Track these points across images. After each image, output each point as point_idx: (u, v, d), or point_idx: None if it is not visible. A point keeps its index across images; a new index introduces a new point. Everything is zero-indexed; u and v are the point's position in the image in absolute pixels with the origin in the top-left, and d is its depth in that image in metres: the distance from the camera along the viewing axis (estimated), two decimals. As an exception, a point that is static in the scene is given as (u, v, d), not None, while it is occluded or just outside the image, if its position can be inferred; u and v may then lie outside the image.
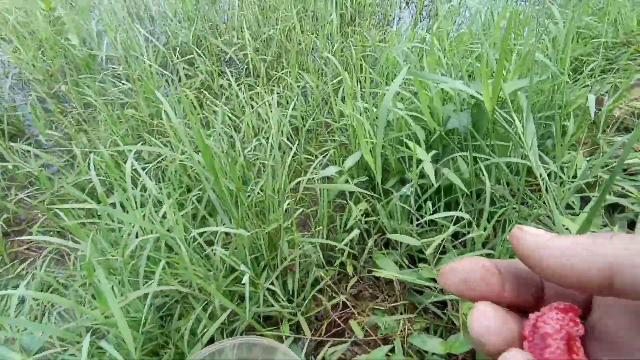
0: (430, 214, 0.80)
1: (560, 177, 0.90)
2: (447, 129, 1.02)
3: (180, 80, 1.65)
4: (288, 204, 0.94)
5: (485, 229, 0.80)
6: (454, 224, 0.83)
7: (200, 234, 0.89)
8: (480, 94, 0.72)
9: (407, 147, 0.86)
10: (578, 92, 1.16)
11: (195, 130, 0.77)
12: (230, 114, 1.31)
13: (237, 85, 1.65)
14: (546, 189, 0.73)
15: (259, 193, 0.96)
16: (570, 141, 1.05)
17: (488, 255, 0.88)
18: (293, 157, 1.26)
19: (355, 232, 0.85)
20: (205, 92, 1.58)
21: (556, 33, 1.05)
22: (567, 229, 0.65)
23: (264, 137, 1.17)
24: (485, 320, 0.16)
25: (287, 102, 1.46)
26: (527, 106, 0.68)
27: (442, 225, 0.96)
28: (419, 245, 0.81)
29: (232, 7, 1.76)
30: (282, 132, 1.19)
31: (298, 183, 1.17)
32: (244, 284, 0.76)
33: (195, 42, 1.84)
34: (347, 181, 0.99)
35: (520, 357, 0.15)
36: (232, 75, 1.74)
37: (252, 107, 1.20)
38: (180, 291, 0.78)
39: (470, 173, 0.85)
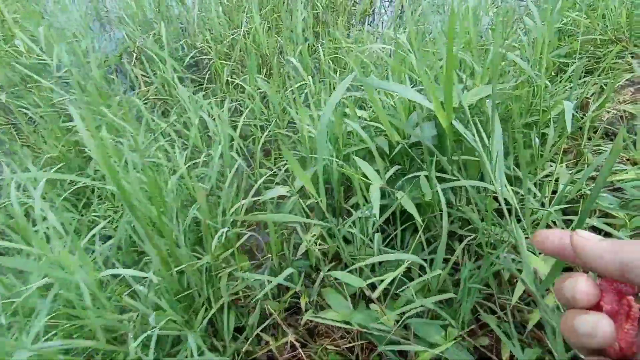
0: (381, 249, 0.68)
1: (535, 195, 0.79)
2: (410, 143, 0.90)
3: (139, 87, 1.53)
4: (227, 231, 0.82)
5: (444, 267, 0.69)
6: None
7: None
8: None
9: (361, 165, 0.74)
10: (560, 95, 1.04)
11: (100, 153, 0.65)
12: (181, 126, 1.20)
13: (198, 93, 1.53)
14: (517, 218, 0.61)
15: (194, 219, 0.84)
16: (551, 152, 0.94)
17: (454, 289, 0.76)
18: (251, 172, 1.14)
19: (290, 271, 0.72)
20: (168, 100, 1.46)
21: (534, 31, 0.93)
22: (534, 271, 0.53)
23: (212, 150, 1.05)
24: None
25: (253, 111, 1.34)
26: (494, 118, 0.56)
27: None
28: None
29: (195, 9, 1.65)
30: (232, 145, 1.07)
31: (253, 203, 1.06)
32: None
33: (158, 46, 1.72)
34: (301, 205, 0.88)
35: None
36: (192, 82, 1.62)
37: (202, 117, 1.08)
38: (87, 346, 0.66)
39: (433, 194, 0.73)
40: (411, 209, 0.65)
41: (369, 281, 0.61)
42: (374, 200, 0.61)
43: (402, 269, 0.61)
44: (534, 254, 0.59)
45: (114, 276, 0.83)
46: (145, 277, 0.70)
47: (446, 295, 0.60)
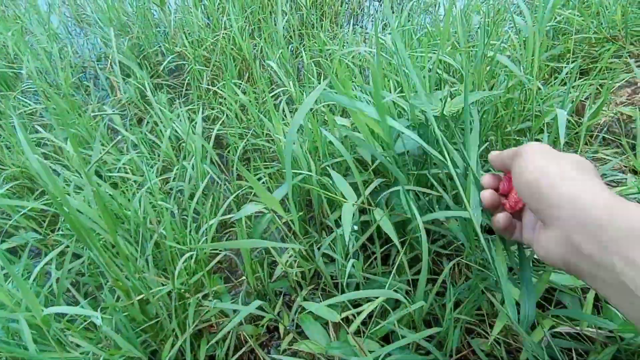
0: (358, 275, 0.61)
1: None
2: (396, 153, 0.84)
3: (114, 95, 1.46)
4: (193, 255, 0.75)
5: (430, 289, 0.62)
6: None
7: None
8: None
9: (336, 180, 0.67)
10: (554, 99, 0.98)
11: (45, 173, 0.58)
12: (153, 137, 1.13)
13: (177, 99, 1.46)
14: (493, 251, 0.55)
15: (159, 241, 0.77)
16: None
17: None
18: (223, 185, 1.07)
19: (255, 305, 0.66)
20: (146, 108, 1.39)
21: (525, 31, 0.87)
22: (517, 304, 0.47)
23: (187, 162, 0.98)
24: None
25: (228, 117, 1.28)
26: (473, 136, 0.50)
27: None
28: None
29: (172, 12, 1.58)
30: (206, 156, 1.00)
31: (225, 222, 0.99)
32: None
33: (135, 50, 1.65)
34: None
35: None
36: (170, 88, 1.55)
37: (175, 127, 1.02)
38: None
39: (412, 213, 0.66)
40: (389, 230, 0.58)
41: (346, 314, 0.55)
42: (345, 224, 0.55)
43: (379, 301, 0.55)
44: (516, 287, 0.53)
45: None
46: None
47: (430, 331, 0.53)
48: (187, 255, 0.71)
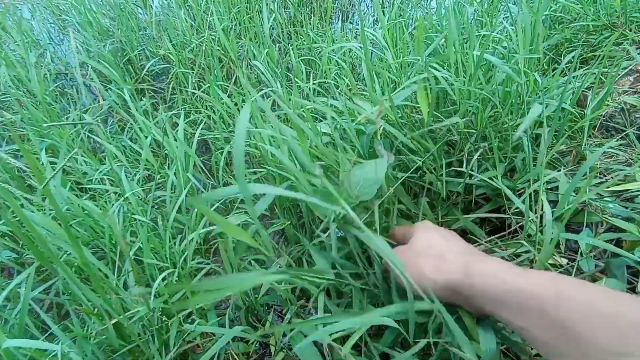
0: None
1: (530, 217, 0.67)
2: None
3: (98, 102, 1.40)
4: (171, 273, 0.70)
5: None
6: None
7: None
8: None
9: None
10: (554, 90, 0.93)
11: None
12: (136, 146, 1.08)
13: (162, 104, 1.41)
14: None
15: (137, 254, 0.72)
16: (547, 156, 0.82)
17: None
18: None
19: (237, 331, 0.60)
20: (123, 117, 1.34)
21: (521, 21, 0.82)
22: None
23: (170, 170, 0.93)
24: None
25: (215, 123, 1.22)
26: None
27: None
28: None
29: (154, 14, 1.52)
30: (190, 163, 0.95)
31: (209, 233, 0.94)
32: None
33: (119, 55, 1.59)
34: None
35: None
36: (155, 92, 1.50)
37: (156, 135, 0.96)
38: None
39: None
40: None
41: (336, 335, 0.50)
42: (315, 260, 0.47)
43: (364, 328, 0.49)
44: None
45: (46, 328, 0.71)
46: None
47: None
48: (167, 272, 0.66)
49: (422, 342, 0.46)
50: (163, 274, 0.66)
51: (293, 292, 0.78)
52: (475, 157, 0.74)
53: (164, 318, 0.75)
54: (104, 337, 0.66)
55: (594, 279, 0.67)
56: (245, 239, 0.51)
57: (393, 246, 0.49)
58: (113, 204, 0.83)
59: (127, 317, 0.65)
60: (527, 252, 0.72)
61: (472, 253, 0.45)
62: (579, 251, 0.73)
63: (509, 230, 0.80)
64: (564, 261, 0.73)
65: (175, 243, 0.85)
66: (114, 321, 0.62)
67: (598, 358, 0.29)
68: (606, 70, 1.04)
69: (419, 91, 0.66)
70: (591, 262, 0.69)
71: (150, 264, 0.68)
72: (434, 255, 0.45)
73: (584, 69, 1.15)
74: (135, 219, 0.76)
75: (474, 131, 0.85)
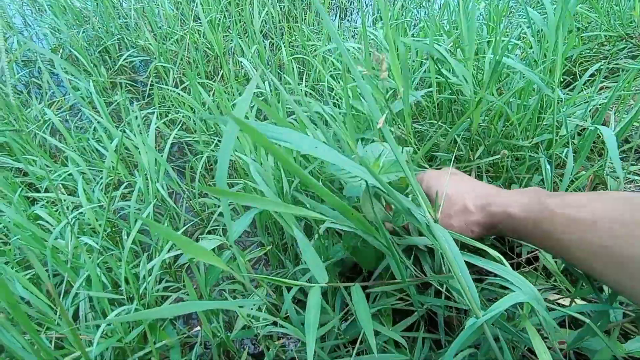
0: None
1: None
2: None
3: (65, 95, 1.27)
4: (124, 312, 0.58)
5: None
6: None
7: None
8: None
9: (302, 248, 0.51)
10: (574, 107, 0.84)
11: None
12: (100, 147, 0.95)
13: (135, 102, 1.28)
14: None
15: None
16: (571, 186, 0.73)
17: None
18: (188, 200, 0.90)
19: None
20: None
21: (542, 25, 0.72)
22: None
23: (139, 178, 0.81)
24: None
25: (195, 124, 1.10)
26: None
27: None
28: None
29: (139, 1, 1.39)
30: (161, 170, 0.83)
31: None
32: None
33: (94, 43, 1.46)
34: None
35: None
36: (133, 87, 1.37)
37: (123, 137, 0.84)
38: None
39: (403, 276, 0.50)
40: (365, 320, 0.41)
41: None
42: (309, 326, 0.37)
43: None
44: None
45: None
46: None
47: None
48: (122, 309, 0.55)
49: None
50: (117, 310, 0.54)
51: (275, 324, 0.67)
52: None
53: (117, 353, 0.64)
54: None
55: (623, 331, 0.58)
56: (217, 264, 0.40)
57: None
58: (68, 215, 0.71)
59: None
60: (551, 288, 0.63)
61: (489, 194, 0.46)
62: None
63: (520, 258, 0.70)
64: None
65: (139, 263, 0.74)
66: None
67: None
68: (629, 87, 0.94)
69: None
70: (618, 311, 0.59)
71: (101, 298, 0.57)
72: (458, 213, 0.46)
73: (601, 82, 1.06)
74: (94, 231, 0.64)
75: (480, 145, 0.75)
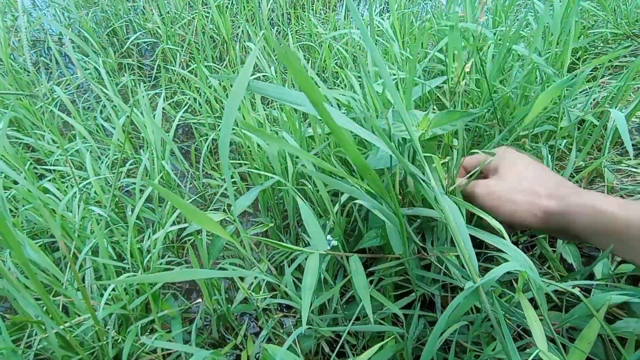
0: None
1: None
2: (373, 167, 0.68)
3: (74, 75, 1.28)
4: (131, 276, 0.60)
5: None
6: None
7: None
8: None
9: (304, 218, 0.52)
10: (576, 99, 0.85)
11: None
12: (109, 125, 0.97)
13: (142, 84, 1.30)
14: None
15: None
16: (570, 173, 0.74)
17: None
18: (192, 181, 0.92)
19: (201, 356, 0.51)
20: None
21: (548, 18, 0.73)
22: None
23: (144, 155, 0.83)
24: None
25: (201, 106, 1.12)
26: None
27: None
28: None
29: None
30: (167, 150, 0.85)
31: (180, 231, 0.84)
32: None
33: (102, 24, 1.47)
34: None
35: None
36: (140, 69, 1.38)
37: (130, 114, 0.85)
38: None
39: (405, 249, 0.52)
40: (363, 291, 0.43)
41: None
42: (305, 289, 0.38)
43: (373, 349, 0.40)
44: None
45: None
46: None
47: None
48: (123, 277, 0.56)
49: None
50: (122, 277, 0.56)
51: (274, 297, 0.69)
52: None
53: (121, 322, 0.66)
54: (46, 345, 0.57)
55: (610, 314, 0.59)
56: (222, 234, 0.41)
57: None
58: (76, 185, 0.73)
59: (75, 325, 0.55)
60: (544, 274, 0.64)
61: (564, 185, 0.44)
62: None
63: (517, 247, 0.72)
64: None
65: (143, 238, 0.76)
66: (54, 331, 0.52)
67: None
68: (631, 83, 0.95)
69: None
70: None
71: (108, 265, 0.59)
72: (526, 190, 0.44)
73: (602, 77, 1.07)
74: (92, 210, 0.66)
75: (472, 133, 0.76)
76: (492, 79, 0.69)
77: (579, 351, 0.41)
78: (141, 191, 0.78)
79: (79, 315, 0.60)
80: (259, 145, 0.75)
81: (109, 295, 0.56)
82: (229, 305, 0.66)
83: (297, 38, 1.19)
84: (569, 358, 0.40)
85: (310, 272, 0.38)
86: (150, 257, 0.63)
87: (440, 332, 0.37)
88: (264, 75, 1.01)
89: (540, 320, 0.40)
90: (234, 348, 0.71)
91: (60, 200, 0.79)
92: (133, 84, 1.15)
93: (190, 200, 0.75)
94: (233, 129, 1.03)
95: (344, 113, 0.67)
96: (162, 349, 0.65)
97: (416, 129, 0.50)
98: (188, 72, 1.26)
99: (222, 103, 1.07)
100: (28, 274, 0.50)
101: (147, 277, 0.41)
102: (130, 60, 1.38)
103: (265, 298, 0.59)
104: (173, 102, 1.12)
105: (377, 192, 0.38)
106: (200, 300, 0.69)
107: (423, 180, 0.40)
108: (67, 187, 0.84)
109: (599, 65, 1.09)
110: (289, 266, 0.65)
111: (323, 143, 0.73)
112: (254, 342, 0.69)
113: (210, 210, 0.89)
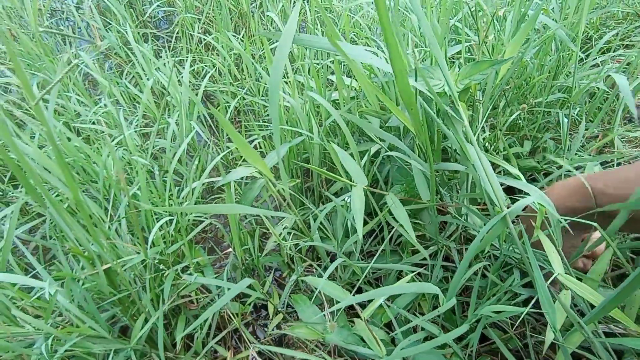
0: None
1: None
2: (389, 126, 0.72)
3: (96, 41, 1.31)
4: (171, 222, 0.64)
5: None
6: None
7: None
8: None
9: (341, 156, 0.56)
10: (587, 70, 0.88)
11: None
12: (136, 90, 1.00)
13: (164, 52, 1.32)
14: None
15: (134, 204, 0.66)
16: (581, 141, 0.78)
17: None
18: (216, 146, 0.96)
19: (246, 283, 0.56)
20: (129, 57, 1.25)
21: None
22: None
23: (171, 118, 0.86)
24: None
25: (221, 75, 1.15)
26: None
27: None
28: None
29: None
30: (194, 113, 0.88)
31: (211, 188, 0.88)
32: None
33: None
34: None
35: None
36: (157, 39, 1.40)
37: (159, 77, 0.89)
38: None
39: (432, 191, 0.56)
40: (403, 219, 0.47)
41: (358, 299, 0.45)
42: (356, 214, 0.43)
43: (403, 281, 0.45)
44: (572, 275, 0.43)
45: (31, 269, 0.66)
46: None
47: (457, 331, 0.44)
48: (164, 220, 0.61)
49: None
50: (161, 222, 0.60)
51: (299, 252, 0.73)
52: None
53: (161, 267, 0.70)
54: (93, 282, 0.61)
55: None
56: (263, 168, 0.46)
57: None
58: (110, 146, 0.77)
59: (120, 263, 0.59)
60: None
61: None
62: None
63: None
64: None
65: (173, 194, 0.80)
66: (106, 266, 0.56)
67: None
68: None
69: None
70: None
71: (147, 211, 0.63)
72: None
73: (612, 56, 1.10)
74: (130, 164, 0.69)
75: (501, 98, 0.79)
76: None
77: (591, 280, 0.45)
78: (172, 147, 0.82)
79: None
80: (286, 107, 0.79)
81: (153, 239, 0.61)
82: (259, 254, 0.70)
83: (314, 10, 1.21)
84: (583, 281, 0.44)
85: (358, 198, 0.42)
86: (187, 203, 0.67)
87: (469, 261, 0.41)
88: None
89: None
90: (260, 299, 0.76)
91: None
92: (154, 54, 1.17)
93: (214, 161, 0.78)
94: (255, 95, 1.06)
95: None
96: (197, 292, 0.70)
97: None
98: (206, 39, 1.28)
99: (242, 72, 1.10)
100: (80, 209, 0.54)
101: (197, 207, 0.45)
102: (148, 31, 1.40)
103: (298, 243, 0.64)
104: (192, 70, 1.15)
105: (416, 129, 0.42)
106: (231, 249, 0.74)
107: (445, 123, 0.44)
108: (94, 147, 0.87)
109: (612, 38, 1.12)
110: (315, 221, 0.69)
111: (348, 104, 0.76)
112: (279, 295, 0.74)
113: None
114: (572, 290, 0.39)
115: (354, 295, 0.47)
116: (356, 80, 0.83)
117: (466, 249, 0.68)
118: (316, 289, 0.66)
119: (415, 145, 0.59)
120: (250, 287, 0.57)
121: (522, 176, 0.47)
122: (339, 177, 0.47)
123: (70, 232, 0.56)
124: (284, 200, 0.88)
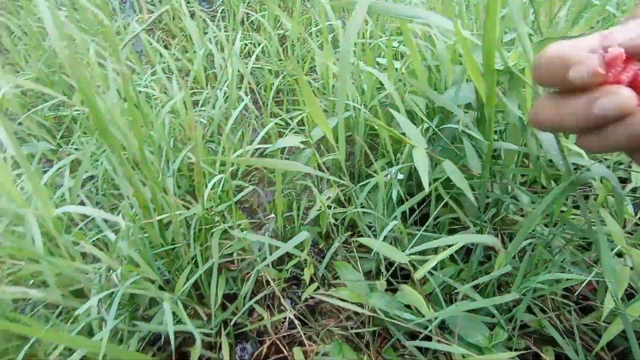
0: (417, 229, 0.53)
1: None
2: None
3: (142, 13, 1.35)
4: (223, 179, 0.67)
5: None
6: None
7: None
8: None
9: (400, 121, 0.57)
10: None
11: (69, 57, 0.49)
12: (185, 60, 1.03)
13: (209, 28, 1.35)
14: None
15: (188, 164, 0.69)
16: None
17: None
18: (256, 118, 0.98)
19: (304, 236, 0.58)
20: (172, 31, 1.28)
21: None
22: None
23: (218, 89, 0.89)
24: None
25: (264, 53, 1.17)
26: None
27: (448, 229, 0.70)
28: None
29: None
30: (242, 86, 0.91)
31: (255, 152, 0.90)
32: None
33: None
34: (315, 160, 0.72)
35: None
36: (201, 18, 1.44)
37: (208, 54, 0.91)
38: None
39: (485, 166, 0.56)
40: (461, 183, 0.48)
41: (412, 258, 0.46)
42: (422, 171, 0.45)
43: (453, 249, 0.46)
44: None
45: (85, 217, 0.69)
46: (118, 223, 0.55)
47: (503, 298, 0.44)
48: (217, 178, 0.63)
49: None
50: (215, 179, 0.63)
51: (342, 223, 0.75)
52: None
53: (216, 219, 0.73)
54: (144, 233, 0.64)
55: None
56: (328, 132, 0.47)
57: None
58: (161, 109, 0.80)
59: (176, 215, 0.62)
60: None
61: None
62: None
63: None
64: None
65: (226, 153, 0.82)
66: (163, 216, 0.59)
67: None
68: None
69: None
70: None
71: (203, 169, 0.65)
72: None
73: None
74: (183, 123, 0.72)
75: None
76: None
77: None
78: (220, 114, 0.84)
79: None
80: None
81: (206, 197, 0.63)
82: (302, 222, 0.72)
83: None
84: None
85: (421, 157, 0.43)
86: (237, 168, 0.69)
87: (534, 220, 0.42)
88: (329, 24, 1.05)
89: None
90: (296, 266, 0.78)
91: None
92: (200, 29, 1.20)
93: (267, 128, 0.80)
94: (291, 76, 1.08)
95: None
96: (238, 253, 0.72)
97: (508, 59, 0.54)
98: (249, 23, 1.31)
99: (287, 50, 1.12)
100: (143, 160, 0.57)
101: (257, 160, 0.47)
102: (192, 7, 1.43)
103: (346, 211, 0.65)
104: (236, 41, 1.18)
105: (487, 93, 0.43)
106: (273, 215, 0.76)
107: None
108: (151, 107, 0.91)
109: None
110: (356, 198, 0.70)
111: (397, 83, 0.77)
112: (314, 266, 0.76)
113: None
114: (634, 261, 0.39)
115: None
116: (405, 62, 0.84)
117: (504, 233, 0.69)
118: (351, 252, 0.68)
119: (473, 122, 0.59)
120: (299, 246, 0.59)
121: (584, 154, 0.47)
122: (402, 137, 0.48)
123: (130, 178, 0.59)
124: (328, 170, 0.89)
